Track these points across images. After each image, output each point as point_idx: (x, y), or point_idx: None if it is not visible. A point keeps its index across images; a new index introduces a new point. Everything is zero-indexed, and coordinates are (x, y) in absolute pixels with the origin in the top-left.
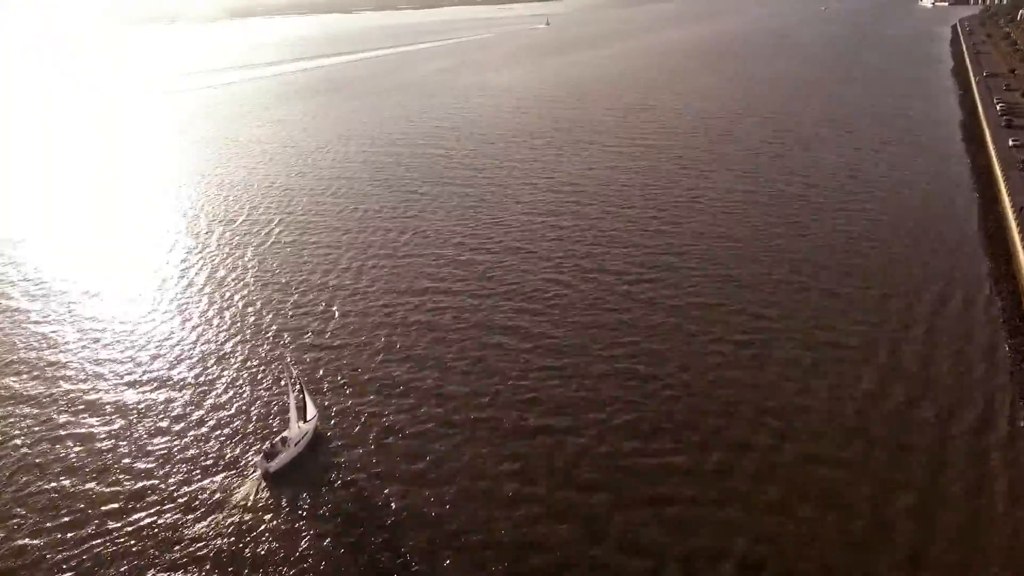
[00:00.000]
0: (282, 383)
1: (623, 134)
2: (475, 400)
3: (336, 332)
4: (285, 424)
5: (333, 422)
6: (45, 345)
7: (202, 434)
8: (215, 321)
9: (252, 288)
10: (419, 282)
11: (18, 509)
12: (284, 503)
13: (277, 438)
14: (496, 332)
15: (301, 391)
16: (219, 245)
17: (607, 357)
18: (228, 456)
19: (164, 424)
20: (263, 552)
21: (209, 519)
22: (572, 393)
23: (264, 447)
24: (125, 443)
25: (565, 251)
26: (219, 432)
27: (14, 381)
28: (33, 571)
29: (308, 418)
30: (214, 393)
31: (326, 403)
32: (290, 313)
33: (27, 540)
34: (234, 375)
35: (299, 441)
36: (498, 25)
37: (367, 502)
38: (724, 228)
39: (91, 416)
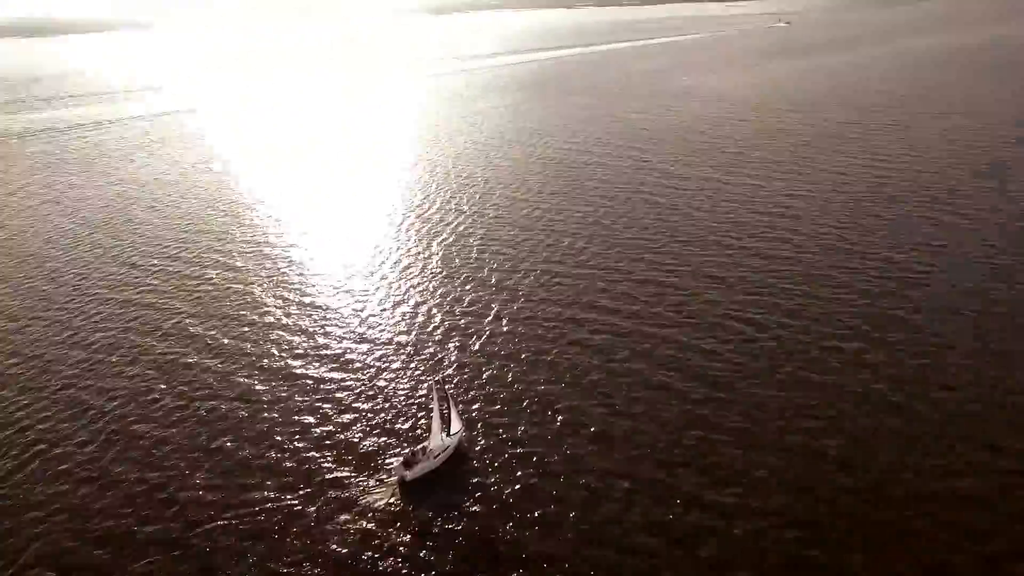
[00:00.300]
0: (431, 390)
1: (859, 154)
2: (633, 448)
3: (497, 342)
4: (428, 433)
5: (478, 440)
6: (242, 304)
7: (348, 422)
8: (387, 312)
9: (428, 283)
10: (595, 299)
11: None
12: (414, 515)
13: (419, 446)
14: (667, 369)
15: (448, 402)
16: (409, 234)
17: (795, 431)
18: (368, 452)
19: (313, 401)
20: (381, 562)
21: (338, 516)
22: (740, 468)
23: (404, 453)
24: (276, 412)
25: (765, 286)
26: (365, 425)
27: (205, 330)
28: (140, 541)
29: (452, 432)
30: (369, 383)
31: (474, 418)
32: (457, 312)
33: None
34: (392, 371)
35: (439, 454)
36: (727, 24)
37: (499, 532)
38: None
39: (253, 379)
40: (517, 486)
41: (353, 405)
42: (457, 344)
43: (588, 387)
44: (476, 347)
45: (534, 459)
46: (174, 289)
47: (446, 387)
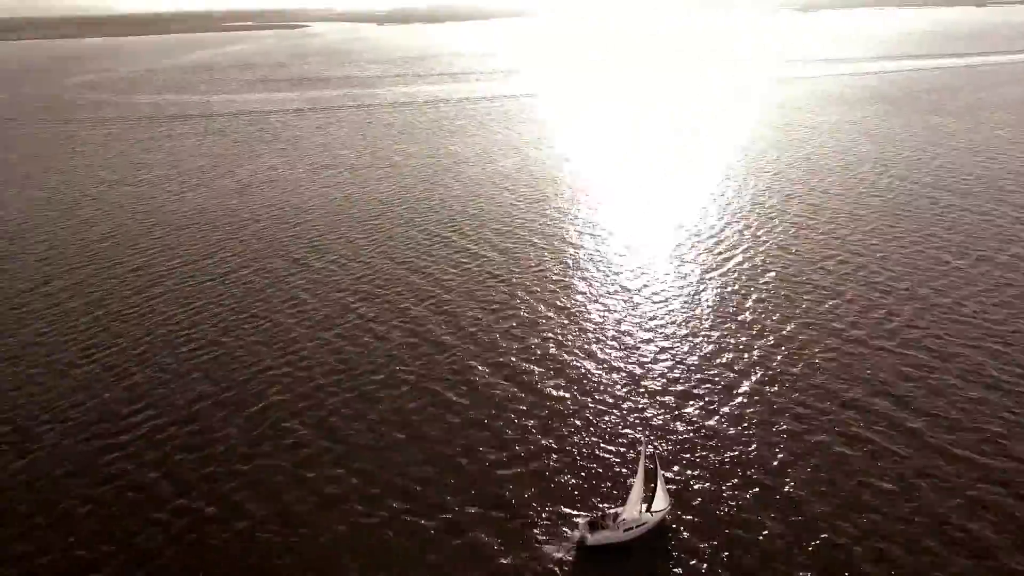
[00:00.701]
0: (640, 455)
1: None
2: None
3: (743, 411)
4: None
5: (688, 524)
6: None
7: (556, 453)
8: (639, 340)
9: (691, 321)
10: (876, 382)
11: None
12: None
13: (611, 510)
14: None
15: (655, 473)
16: (693, 256)
17: None
18: (558, 498)
19: (529, 412)
20: None
21: (509, 550)
22: None
23: (594, 514)
24: (474, 410)
25: None
26: (572, 457)
27: (447, 309)
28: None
29: (655, 509)
30: (594, 416)
31: (692, 497)
32: (714, 364)
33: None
34: (619, 411)
35: (631, 528)
36: None
37: None
38: None
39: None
40: None
41: (568, 434)
42: (685, 404)
43: (843, 494)
44: (711, 410)
45: (753, 558)
46: (428, 268)
47: (653, 454)
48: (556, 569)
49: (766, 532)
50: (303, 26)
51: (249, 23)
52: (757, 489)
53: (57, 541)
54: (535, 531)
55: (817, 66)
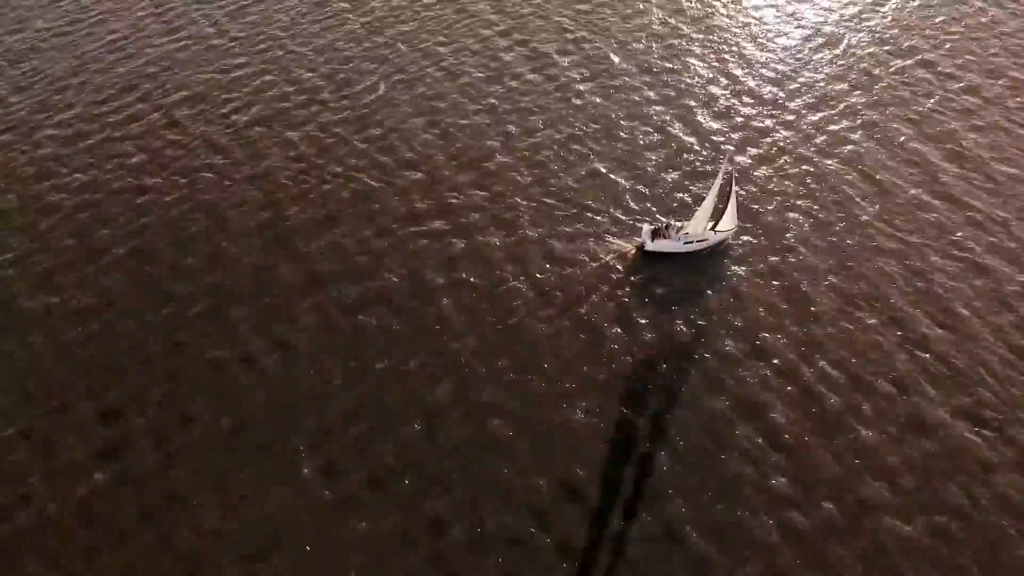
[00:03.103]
0: (722, 172)
1: None
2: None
3: (839, 148)
4: (693, 213)
5: (756, 245)
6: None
7: (667, 159)
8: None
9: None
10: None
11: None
12: (637, 282)
13: (677, 223)
14: None
15: (729, 193)
16: None
17: None
18: (637, 203)
19: (633, 104)
20: (584, 300)
21: (575, 245)
22: None
23: (659, 223)
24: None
25: None
26: (653, 173)
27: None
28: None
29: (720, 228)
30: (688, 129)
31: (768, 222)
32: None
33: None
34: (702, 122)
35: (692, 241)
36: None
37: (699, 335)
38: None
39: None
40: (763, 299)
41: (661, 147)
42: (792, 130)
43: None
44: (814, 144)
45: (797, 287)
46: None
47: (732, 173)
48: (616, 262)
49: (822, 272)
50: None
51: None
52: (826, 231)
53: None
54: (603, 229)
55: None
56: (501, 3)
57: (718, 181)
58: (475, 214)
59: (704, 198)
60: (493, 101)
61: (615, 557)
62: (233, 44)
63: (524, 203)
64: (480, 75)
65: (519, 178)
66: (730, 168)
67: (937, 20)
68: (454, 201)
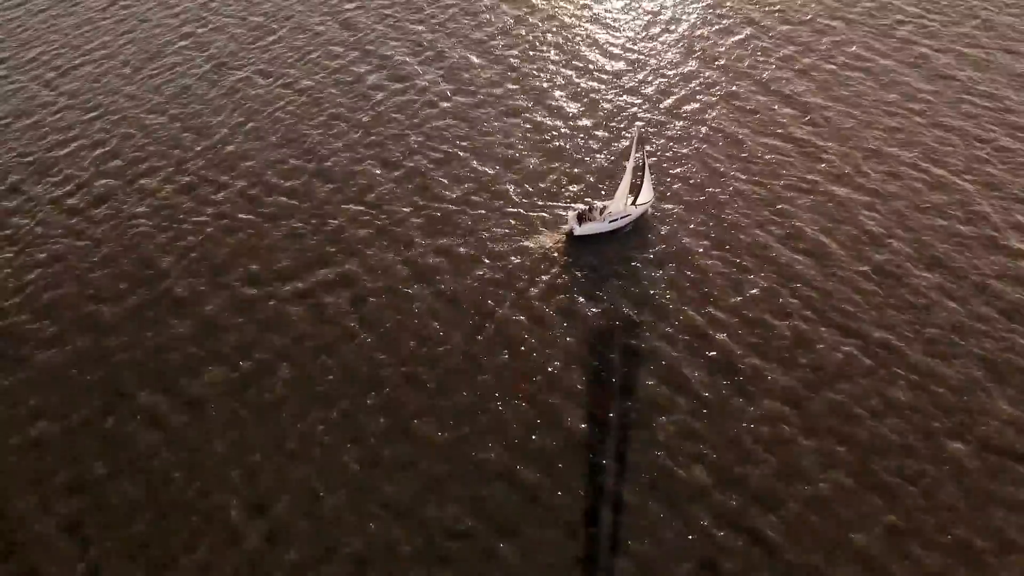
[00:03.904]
0: (632, 148)
1: None
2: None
3: (726, 122)
4: (613, 191)
5: (669, 215)
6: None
7: (551, 152)
8: (637, 42)
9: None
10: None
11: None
12: (569, 267)
13: (598, 204)
14: None
15: (644, 170)
16: None
17: None
18: (552, 192)
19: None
20: (520, 286)
21: (507, 239)
22: None
23: (581, 207)
24: (485, 106)
25: None
26: (562, 163)
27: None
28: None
29: (640, 201)
30: (587, 117)
31: (674, 192)
32: (699, 77)
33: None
34: (610, 104)
35: (617, 219)
36: None
37: (643, 306)
38: None
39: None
40: (683, 267)
41: (565, 132)
42: (687, 112)
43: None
44: (711, 120)
45: (713, 253)
46: None
47: (643, 151)
48: (545, 250)
49: (728, 225)
50: None
51: None
52: (736, 186)
53: None
54: (529, 218)
55: None
56: (351, 24)
57: (632, 158)
58: (381, 237)
59: (620, 176)
60: (364, 120)
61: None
62: (67, 99)
63: (444, 216)
64: (345, 101)
65: (417, 198)
66: (640, 144)
67: None
68: (346, 233)
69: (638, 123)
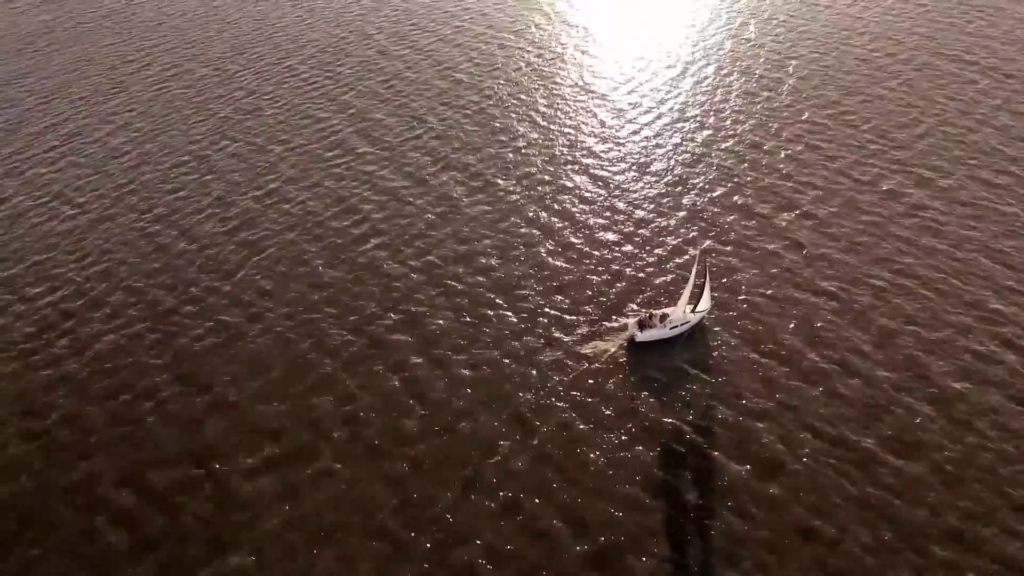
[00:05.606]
0: (693, 260)
1: None
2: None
3: (794, 231)
4: (675, 298)
5: (726, 324)
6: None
7: (606, 260)
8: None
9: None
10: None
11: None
12: (633, 372)
13: (659, 311)
14: None
15: (705, 277)
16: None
17: None
18: (611, 302)
19: (577, 225)
20: (586, 400)
21: (568, 348)
22: None
23: (642, 314)
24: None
25: None
26: (623, 267)
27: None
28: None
29: (700, 309)
30: (636, 228)
31: (733, 299)
32: (760, 183)
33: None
34: (662, 224)
35: (678, 326)
36: None
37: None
38: None
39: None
40: (748, 376)
41: (618, 244)
42: (738, 219)
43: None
44: (760, 227)
45: (776, 360)
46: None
47: (703, 259)
48: (608, 359)
49: (791, 339)
50: None
51: None
52: (793, 299)
53: None
54: (590, 326)
55: None
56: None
57: (695, 268)
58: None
59: (685, 284)
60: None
61: None
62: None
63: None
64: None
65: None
66: (703, 254)
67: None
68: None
69: (701, 238)
